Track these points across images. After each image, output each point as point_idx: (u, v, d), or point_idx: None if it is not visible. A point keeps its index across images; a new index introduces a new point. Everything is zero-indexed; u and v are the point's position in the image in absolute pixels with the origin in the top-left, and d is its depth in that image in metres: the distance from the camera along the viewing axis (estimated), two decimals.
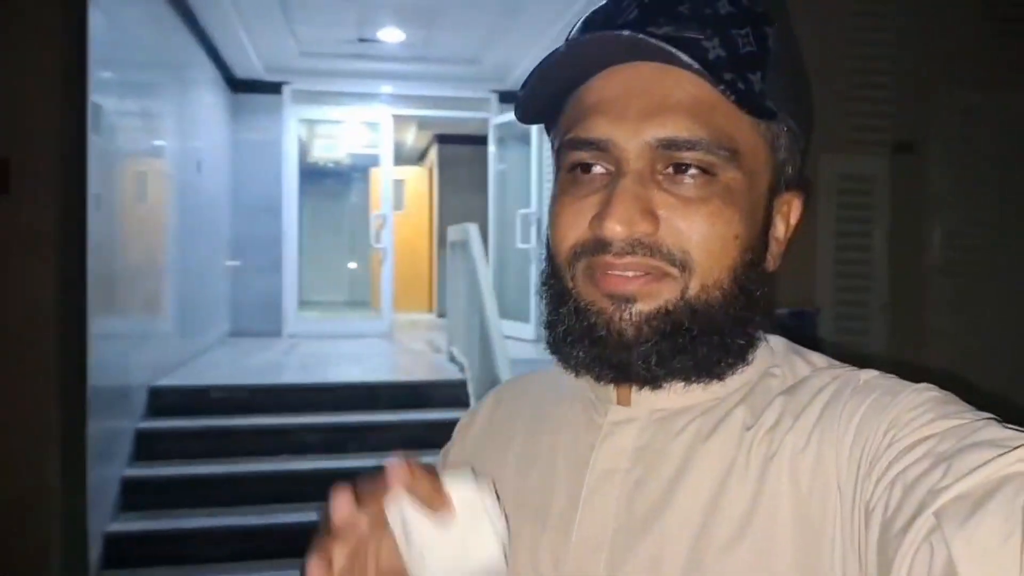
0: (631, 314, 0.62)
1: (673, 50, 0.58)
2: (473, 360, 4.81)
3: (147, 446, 4.28)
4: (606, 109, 0.62)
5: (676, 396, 0.66)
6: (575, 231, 0.64)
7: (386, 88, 7.78)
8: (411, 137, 10.57)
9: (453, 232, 5.74)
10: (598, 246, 0.62)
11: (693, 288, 0.62)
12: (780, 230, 0.68)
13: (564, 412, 0.74)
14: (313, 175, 9.23)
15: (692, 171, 0.61)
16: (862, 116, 3.48)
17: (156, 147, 4.94)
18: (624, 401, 0.69)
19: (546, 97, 0.68)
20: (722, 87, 0.59)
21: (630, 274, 0.62)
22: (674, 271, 0.62)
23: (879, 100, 3.51)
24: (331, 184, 10.77)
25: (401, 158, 9.78)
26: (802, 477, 0.59)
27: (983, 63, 3.55)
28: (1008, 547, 0.44)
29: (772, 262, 0.67)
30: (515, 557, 0.68)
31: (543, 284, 0.68)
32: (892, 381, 0.61)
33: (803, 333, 3.74)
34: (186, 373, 5.14)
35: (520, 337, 6.25)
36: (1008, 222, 3.63)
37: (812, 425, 0.60)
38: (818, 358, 0.68)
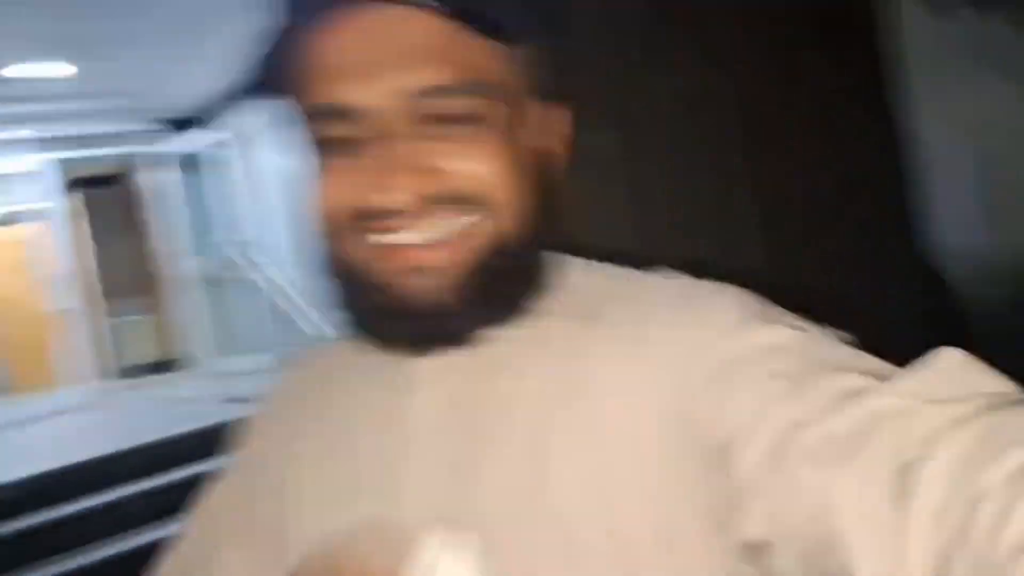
0: (432, 286, 0.57)
1: None
2: None
3: None
4: (348, 68, 0.56)
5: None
6: (350, 197, 0.57)
7: (38, 132, 6.81)
8: None
9: (201, 264, 5.32)
10: (383, 214, 0.56)
11: (495, 229, 0.58)
12: (557, 146, 0.66)
13: (353, 382, 0.68)
14: None
15: (459, 116, 0.57)
16: None
17: None
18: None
19: (272, 56, 0.59)
20: (463, 18, 0.55)
21: (422, 240, 0.57)
22: (474, 218, 0.58)
23: None
24: None
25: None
26: (607, 420, 0.56)
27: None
28: (896, 510, 0.41)
29: (557, 178, 0.67)
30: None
31: (324, 264, 0.62)
32: (685, 298, 0.60)
33: None
34: None
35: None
36: None
37: (599, 364, 0.58)
38: (612, 269, 0.66)
